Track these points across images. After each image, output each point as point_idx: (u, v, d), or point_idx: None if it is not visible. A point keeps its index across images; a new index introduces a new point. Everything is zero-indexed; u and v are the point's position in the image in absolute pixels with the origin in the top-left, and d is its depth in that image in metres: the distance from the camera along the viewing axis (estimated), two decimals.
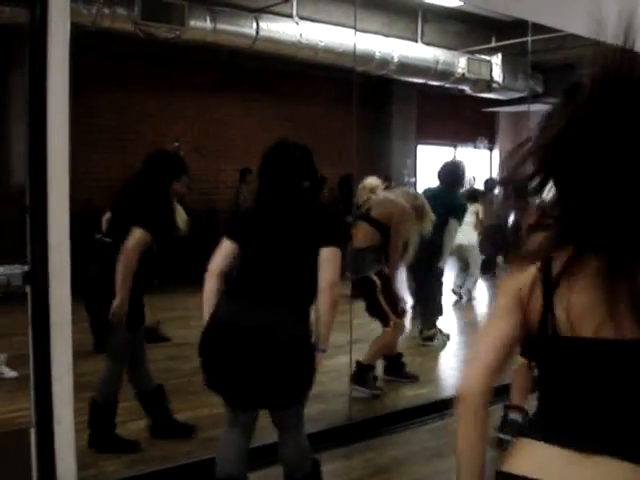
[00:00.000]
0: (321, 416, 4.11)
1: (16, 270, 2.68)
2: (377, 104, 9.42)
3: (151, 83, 8.50)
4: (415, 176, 10.03)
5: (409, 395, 4.85)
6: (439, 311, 6.10)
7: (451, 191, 5.82)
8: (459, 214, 5.89)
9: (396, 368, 5.08)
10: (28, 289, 2.73)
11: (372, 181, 5.34)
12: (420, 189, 9.05)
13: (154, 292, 4.28)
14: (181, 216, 4.31)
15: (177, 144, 8.91)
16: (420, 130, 10.35)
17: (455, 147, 10.70)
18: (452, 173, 5.89)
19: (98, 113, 8.05)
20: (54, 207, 2.77)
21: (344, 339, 4.33)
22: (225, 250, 2.77)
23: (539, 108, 8.81)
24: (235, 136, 9.30)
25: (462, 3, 6.11)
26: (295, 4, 6.94)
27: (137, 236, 3.40)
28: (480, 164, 10.81)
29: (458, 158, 7.86)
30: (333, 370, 4.45)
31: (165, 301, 6.34)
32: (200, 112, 9.04)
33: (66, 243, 2.78)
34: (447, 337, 6.12)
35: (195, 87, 8.75)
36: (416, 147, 10.41)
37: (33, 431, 2.88)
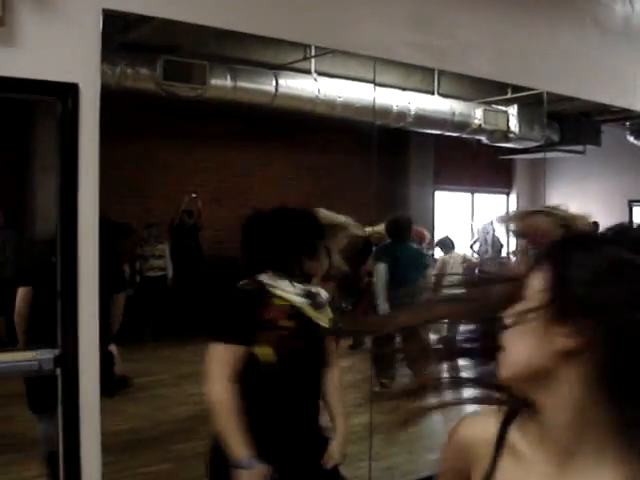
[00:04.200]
0: None
1: (47, 355, 2.74)
2: (394, 151, 9.50)
3: (170, 135, 8.64)
4: (433, 222, 10.08)
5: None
6: None
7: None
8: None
9: None
10: (59, 372, 2.79)
11: None
12: (438, 234, 9.13)
13: None
14: None
15: (195, 195, 9.03)
16: (437, 176, 10.41)
17: (472, 193, 10.74)
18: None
19: (118, 165, 8.18)
20: (84, 291, 2.83)
21: None
22: None
23: (555, 155, 8.88)
24: (254, 185, 9.41)
25: None
26: (313, 61, 7.04)
27: None
28: (497, 209, 10.86)
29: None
30: None
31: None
32: (218, 163, 9.17)
33: (95, 325, 2.83)
34: None
35: (214, 138, 8.89)
36: (434, 193, 10.46)
37: None
